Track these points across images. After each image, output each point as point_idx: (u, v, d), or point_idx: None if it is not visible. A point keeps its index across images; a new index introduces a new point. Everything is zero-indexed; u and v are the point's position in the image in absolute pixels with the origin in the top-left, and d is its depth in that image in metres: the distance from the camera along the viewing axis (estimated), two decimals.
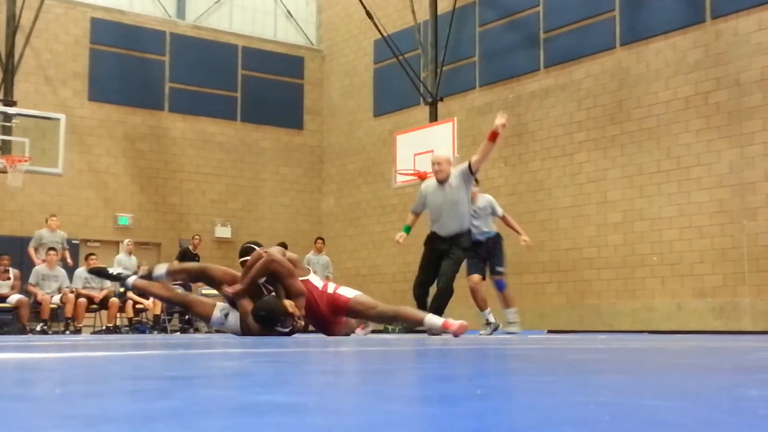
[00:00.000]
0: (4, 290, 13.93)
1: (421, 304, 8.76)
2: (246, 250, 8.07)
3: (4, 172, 14.52)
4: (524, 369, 2.77)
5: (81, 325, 14.01)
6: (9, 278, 14.07)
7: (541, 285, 14.97)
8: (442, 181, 8.76)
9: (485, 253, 9.74)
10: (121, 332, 14.13)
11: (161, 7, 19.10)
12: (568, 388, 1.82)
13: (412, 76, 16.19)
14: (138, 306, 14.79)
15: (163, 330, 14.92)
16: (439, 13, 16.69)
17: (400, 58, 15.89)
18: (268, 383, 2.03)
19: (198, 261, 16.01)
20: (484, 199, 9.99)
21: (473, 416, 1.26)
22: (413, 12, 16.63)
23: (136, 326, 14.66)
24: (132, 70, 18.26)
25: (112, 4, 18.38)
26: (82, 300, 13.96)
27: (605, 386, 1.91)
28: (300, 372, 2.61)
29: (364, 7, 15.79)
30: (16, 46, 15.84)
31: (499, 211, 9.98)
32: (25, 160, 14.47)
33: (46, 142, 15.11)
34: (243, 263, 7.91)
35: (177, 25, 19.05)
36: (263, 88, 19.75)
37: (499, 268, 9.90)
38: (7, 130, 14.82)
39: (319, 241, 16.46)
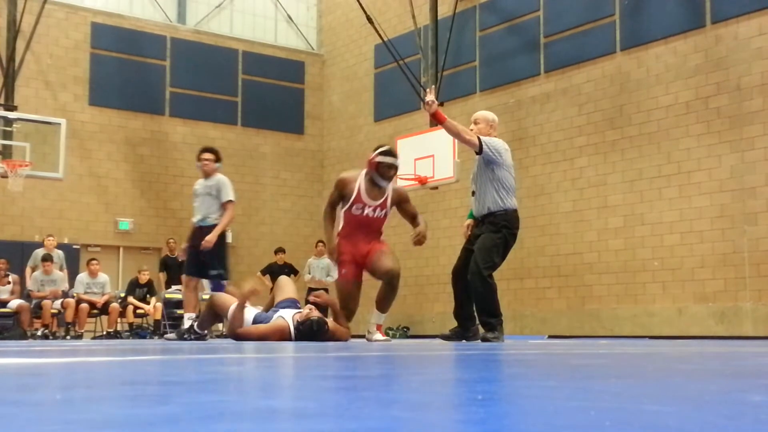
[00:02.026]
0: (4, 295, 13.93)
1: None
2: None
3: (5, 176, 14.53)
4: (525, 374, 2.76)
5: (82, 331, 14.01)
6: (9, 283, 14.07)
7: (542, 290, 14.96)
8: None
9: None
10: (121, 337, 14.13)
11: (162, 11, 19.12)
12: (569, 394, 1.81)
13: (413, 81, 16.20)
14: (139, 311, 14.79)
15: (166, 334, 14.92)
16: (439, 17, 16.71)
17: (401, 62, 15.90)
18: (268, 388, 2.03)
19: (180, 265, 15.93)
20: (213, 179, 9.28)
21: (474, 422, 1.26)
22: (413, 17, 16.65)
23: (136, 331, 14.66)
24: (133, 74, 18.28)
25: (113, 8, 18.41)
26: (84, 305, 13.96)
27: (606, 391, 1.91)
28: (301, 377, 2.61)
29: (365, 12, 15.80)
30: (16, 50, 15.85)
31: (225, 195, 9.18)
32: (26, 165, 14.48)
33: (47, 146, 15.13)
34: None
35: (177, 29, 19.07)
36: (264, 92, 19.77)
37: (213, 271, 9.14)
38: (8, 135, 14.84)
39: (320, 244, 16.45)
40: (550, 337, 13.10)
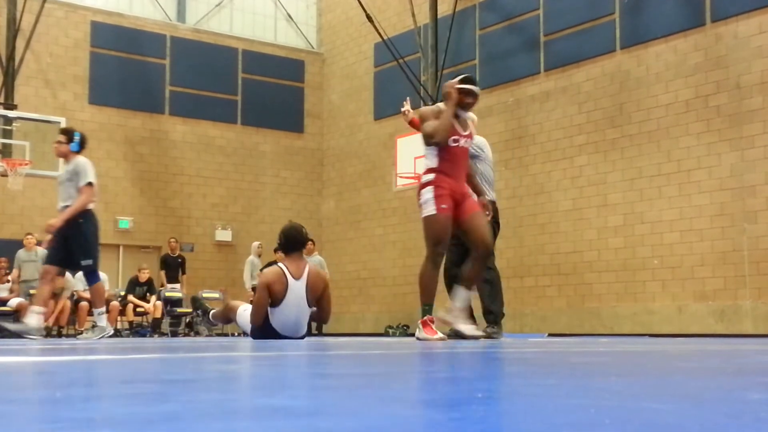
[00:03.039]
0: (4, 294, 13.93)
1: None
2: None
3: (5, 175, 14.53)
4: (525, 372, 2.76)
5: (82, 329, 14.00)
6: (8, 281, 14.07)
7: (542, 288, 14.97)
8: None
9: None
10: (121, 335, 14.13)
11: (161, 10, 19.12)
12: (569, 392, 1.81)
13: (413, 80, 16.20)
14: (138, 309, 14.79)
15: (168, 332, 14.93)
16: (439, 16, 16.71)
17: (401, 61, 15.90)
18: (268, 386, 2.03)
19: (180, 264, 16.02)
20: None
21: (474, 420, 1.26)
22: (413, 15, 16.65)
23: (136, 330, 14.66)
24: (132, 73, 18.27)
25: (113, 7, 18.41)
26: (83, 303, 13.96)
27: (606, 389, 1.91)
28: (300, 375, 2.61)
29: (365, 11, 15.80)
30: (16, 49, 15.85)
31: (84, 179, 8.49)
32: (26, 164, 14.48)
33: (47, 145, 15.09)
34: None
35: (177, 28, 19.06)
36: (263, 91, 19.76)
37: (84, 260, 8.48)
38: (8, 134, 14.84)
39: (309, 242, 16.47)
40: (550, 335, 13.10)
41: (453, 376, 2.50)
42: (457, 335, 7.05)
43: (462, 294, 6.92)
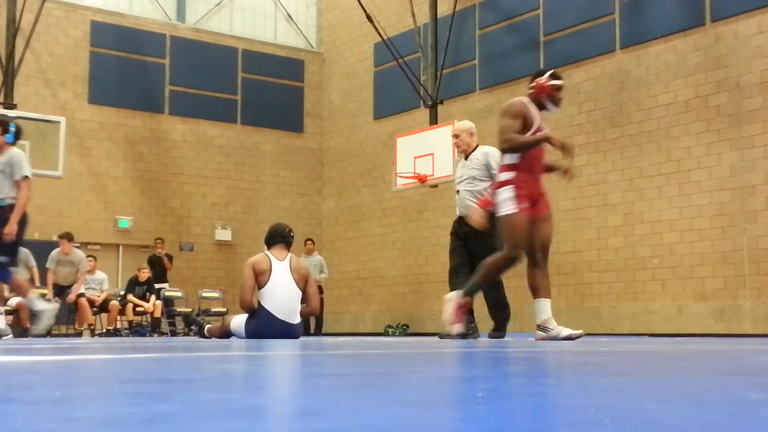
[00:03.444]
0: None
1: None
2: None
3: None
4: (525, 372, 2.76)
5: (83, 328, 14.01)
6: None
7: None
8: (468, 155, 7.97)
9: None
10: (121, 335, 14.13)
11: (161, 10, 19.12)
12: (569, 391, 1.81)
13: (413, 79, 16.20)
14: (138, 309, 14.79)
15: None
16: (439, 16, 16.70)
17: (400, 61, 15.90)
18: (267, 386, 2.03)
19: (165, 263, 15.98)
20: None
21: (473, 419, 1.25)
22: (413, 15, 16.64)
23: (136, 329, 14.66)
24: (132, 72, 18.27)
25: (112, 6, 18.40)
26: (84, 302, 13.96)
27: (606, 389, 1.91)
28: (300, 375, 2.61)
29: (364, 11, 15.80)
30: (16, 48, 15.84)
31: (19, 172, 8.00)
32: None
33: (47, 145, 15.11)
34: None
35: (177, 28, 19.06)
36: (263, 91, 19.76)
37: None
38: None
39: (309, 242, 16.48)
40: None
41: (453, 376, 2.50)
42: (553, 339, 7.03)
43: (542, 306, 6.90)
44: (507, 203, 6.38)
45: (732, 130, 12.54)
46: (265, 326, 7.48)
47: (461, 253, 8.01)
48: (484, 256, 7.04)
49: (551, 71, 6.92)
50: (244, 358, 3.81)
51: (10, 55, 15.83)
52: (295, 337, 7.66)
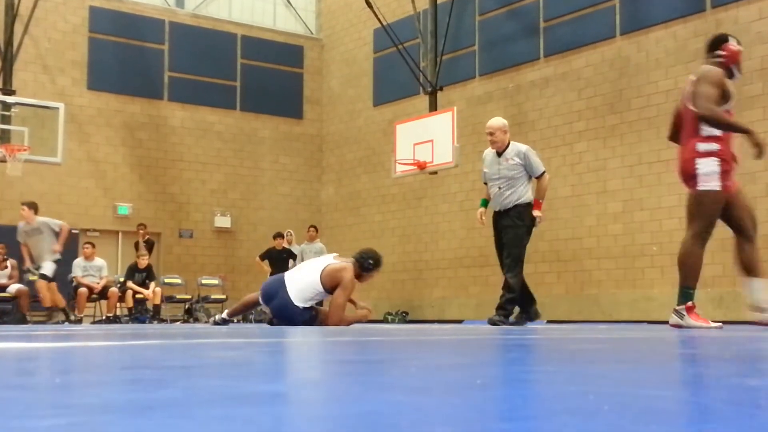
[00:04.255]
0: (3, 280, 13.94)
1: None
2: None
3: (3, 161, 14.51)
4: (524, 359, 2.77)
5: (81, 315, 14.03)
6: (6, 267, 14.08)
7: (541, 275, 14.97)
8: (499, 152, 8.29)
9: None
10: (120, 322, 14.15)
11: None
12: (568, 378, 1.82)
13: (412, 66, 16.16)
14: (138, 296, 14.81)
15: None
16: (438, 2, 16.64)
17: (400, 47, 15.85)
18: (268, 373, 2.04)
19: (151, 251, 15.94)
20: None
21: (472, 406, 1.26)
22: (413, 1, 16.58)
23: (136, 316, 14.68)
24: (131, 58, 18.22)
25: None
26: (83, 290, 13.98)
27: (605, 376, 1.91)
28: (300, 361, 2.61)
29: None
30: (14, 34, 15.79)
31: None
32: (24, 150, 14.46)
33: (45, 131, 15.09)
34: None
35: (176, 13, 19.00)
36: (262, 77, 19.71)
37: None
38: (6, 120, 14.80)
39: (312, 229, 16.46)
40: (549, 321, 13.12)
41: (452, 363, 2.50)
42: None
43: (757, 284, 6.31)
44: (711, 178, 6.09)
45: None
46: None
47: (498, 246, 8.45)
48: (507, 247, 8.11)
49: (729, 35, 6.62)
50: (244, 345, 3.81)
51: (9, 41, 15.78)
52: None
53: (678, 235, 13.19)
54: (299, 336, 4.85)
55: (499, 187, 8.20)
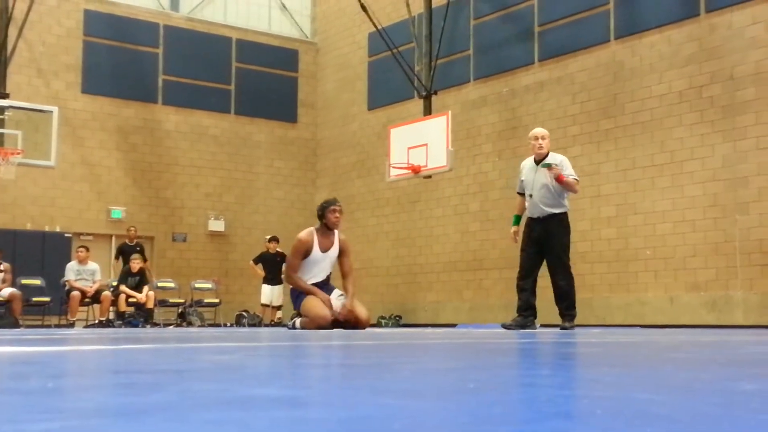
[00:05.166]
0: None
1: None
2: None
3: None
4: (517, 363, 2.77)
5: (74, 319, 13.99)
6: (1, 271, 14.03)
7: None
8: (540, 159, 8.49)
9: None
10: (113, 326, 14.12)
11: None
12: (562, 382, 1.82)
13: (407, 70, 16.17)
14: (131, 300, 14.77)
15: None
16: (433, 6, 16.65)
17: (395, 51, 15.86)
18: (261, 377, 2.03)
19: (139, 253, 15.88)
20: None
21: (465, 410, 1.26)
22: (408, 5, 16.59)
23: (128, 320, 14.65)
24: (125, 62, 18.20)
25: None
26: (75, 293, 13.94)
27: (598, 380, 1.91)
28: (293, 365, 2.61)
29: (359, 0, 15.75)
30: (8, 38, 15.76)
31: None
32: (18, 153, 14.42)
33: (39, 134, 15.06)
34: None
35: (171, 17, 18.99)
36: (257, 80, 19.71)
37: None
38: (0, 123, 14.77)
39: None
40: (543, 325, 13.13)
41: (445, 367, 2.51)
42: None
43: None
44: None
45: (725, 121, 12.56)
46: None
47: (531, 254, 8.53)
48: (555, 254, 8.26)
49: None
50: (237, 349, 3.81)
51: (3, 45, 15.75)
52: None
53: (671, 239, 13.25)
54: (291, 340, 4.85)
55: (538, 196, 8.40)
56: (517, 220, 8.85)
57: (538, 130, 8.76)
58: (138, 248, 15.93)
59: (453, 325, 14.90)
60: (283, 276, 8.63)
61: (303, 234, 8.76)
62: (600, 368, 2.44)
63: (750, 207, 12.23)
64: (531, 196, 8.43)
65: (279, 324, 14.68)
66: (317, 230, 8.76)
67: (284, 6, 20.62)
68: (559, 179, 8.20)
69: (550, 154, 8.63)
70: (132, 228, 16.22)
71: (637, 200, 13.59)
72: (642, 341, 4.78)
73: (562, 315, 8.49)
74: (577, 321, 8.78)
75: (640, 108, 13.66)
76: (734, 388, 1.67)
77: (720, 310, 12.45)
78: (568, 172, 8.38)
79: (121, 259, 15.70)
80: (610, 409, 1.26)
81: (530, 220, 8.54)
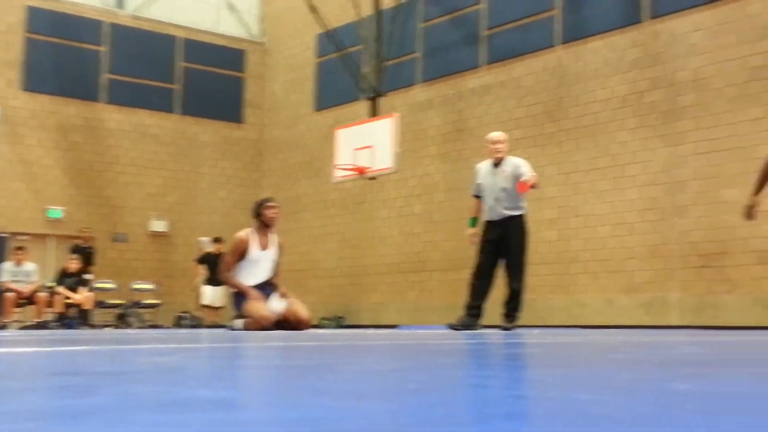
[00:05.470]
0: None
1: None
2: None
3: None
4: (459, 364, 2.78)
5: (8, 321, 13.67)
6: None
7: None
8: (498, 163, 8.52)
9: None
10: (49, 328, 13.83)
11: None
12: (503, 383, 1.83)
13: (355, 71, 16.17)
14: (67, 301, 14.48)
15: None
16: (382, 8, 16.69)
17: (343, 52, 15.85)
18: (200, 378, 2.01)
19: (91, 255, 15.71)
20: None
21: (406, 411, 1.25)
22: (357, 7, 16.59)
23: (65, 321, 14.36)
24: (68, 60, 17.87)
25: None
26: (9, 295, 13.64)
27: (539, 381, 1.93)
28: (234, 367, 2.58)
29: (308, 1, 15.70)
30: None
31: None
32: None
33: None
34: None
35: (116, 15, 18.68)
36: (203, 80, 19.51)
37: None
38: None
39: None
40: (485, 326, 13.22)
41: (387, 368, 2.50)
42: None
43: None
44: None
45: (665, 126, 12.81)
46: None
47: (488, 255, 8.60)
48: (513, 256, 8.43)
49: None
50: (176, 350, 3.76)
51: None
52: None
53: (610, 241, 13.47)
54: (233, 341, 4.80)
55: (497, 198, 8.44)
56: (474, 222, 8.85)
57: (497, 134, 8.79)
58: (90, 249, 15.75)
59: (395, 326, 14.93)
60: (218, 274, 8.63)
61: (241, 233, 8.87)
62: (542, 369, 2.46)
63: (687, 210, 12.49)
64: (495, 199, 8.46)
65: (220, 326, 14.54)
66: (254, 229, 8.81)
67: (232, 5, 20.44)
68: (533, 186, 8.24)
69: (508, 157, 8.63)
70: (86, 229, 16.05)
71: (578, 203, 13.78)
72: (582, 342, 4.85)
73: (506, 315, 8.56)
74: (518, 322, 8.89)
75: (583, 112, 13.86)
76: (669, 388, 1.69)
77: (656, 312, 12.69)
78: (531, 173, 8.35)
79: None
80: (551, 410, 1.27)
81: (488, 223, 8.57)
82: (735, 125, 12.03)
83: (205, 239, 16.70)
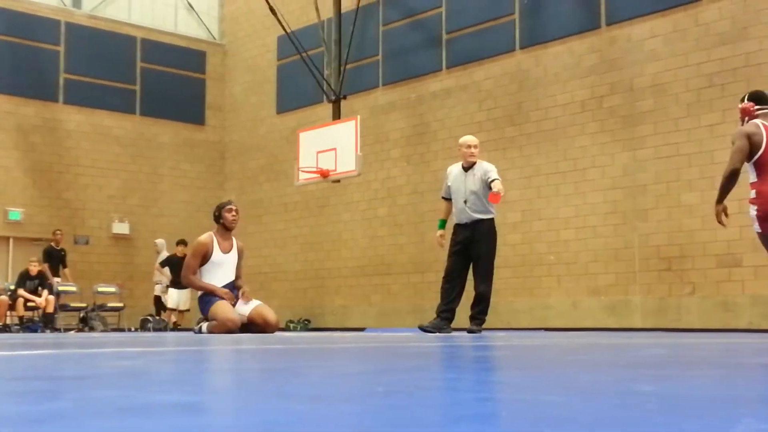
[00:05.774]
0: None
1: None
2: None
3: None
4: (425, 366, 2.79)
5: None
6: None
7: (440, 284, 15.14)
8: (469, 167, 8.57)
9: None
10: (11, 331, 13.61)
11: None
12: (468, 385, 1.84)
13: (316, 74, 16.14)
14: (29, 304, 14.28)
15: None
16: (343, 11, 16.68)
17: (304, 55, 15.81)
18: (164, 383, 1.99)
19: (63, 257, 15.63)
20: None
21: (372, 414, 1.25)
22: (317, 9, 16.56)
23: (27, 325, 14.15)
24: (25, 59, 17.60)
25: None
26: None
27: (504, 383, 1.94)
28: (198, 371, 2.56)
29: (268, 3, 15.64)
30: None
31: None
32: None
33: None
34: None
35: (72, 14, 18.45)
36: (163, 81, 19.34)
37: None
38: None
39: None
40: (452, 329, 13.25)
41: (354, 371, 2.50)
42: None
43: None
44: (753, 221, 6.54)
45: (625, 131, 12.96)
46: None
47: (457, 258, 8.60)
48: (481, 260, 8.50)
49: (755, 94, 6.92)
50: (140, 354, 3.72)
51: None
52: None
53: (574, 245, 13.59)
54: (198, 345, 4.76)
55: (466, 201, 8.49)
56: (443, 224, 8.91)
57: (470, 138, 8.84)
58: (62, 252, 15.63)
59: (362, 329, 14.92)
60: (181, 278, 8.60)
61: (202, 236, 8.92)
62: (507, 371, 2.47)
63: (648, 214, 12.65)
64: (465, 202, 8.52)
65: (186, 329, 14.42)
66: (216, 233, 8.82)
67: (191, 6, 20.29)
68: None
69: (478, 162, 8.71)
70: (58, 231, 15.94)
71: (541, 206, 13.89)
72: (546, 344, 4.88)
73: (472, 318, 8.63)
74: (484, 325, 8.94)
75: (544, 116, 13.97)
76: (632, 389, 1.71)
77: (619, 314, 12.83)
78: (498, 179, 8.45)
79: (48, 263, 15.40)
80: (515, 412, 1.28)
81: (457, 226, 8.62)
82: (693, 131, 12.21)
83: (161, 241, 16.57)
